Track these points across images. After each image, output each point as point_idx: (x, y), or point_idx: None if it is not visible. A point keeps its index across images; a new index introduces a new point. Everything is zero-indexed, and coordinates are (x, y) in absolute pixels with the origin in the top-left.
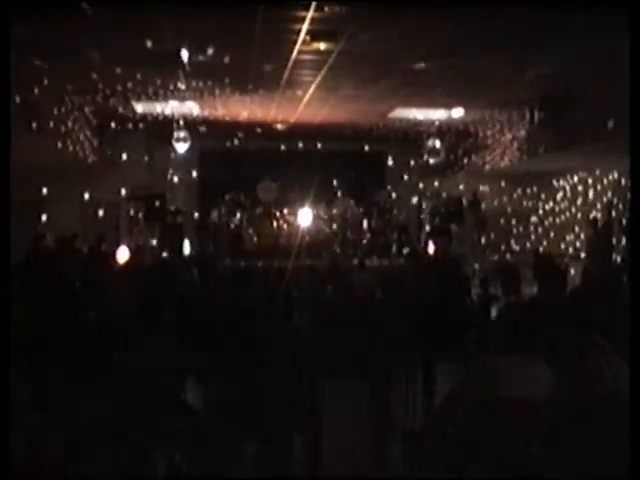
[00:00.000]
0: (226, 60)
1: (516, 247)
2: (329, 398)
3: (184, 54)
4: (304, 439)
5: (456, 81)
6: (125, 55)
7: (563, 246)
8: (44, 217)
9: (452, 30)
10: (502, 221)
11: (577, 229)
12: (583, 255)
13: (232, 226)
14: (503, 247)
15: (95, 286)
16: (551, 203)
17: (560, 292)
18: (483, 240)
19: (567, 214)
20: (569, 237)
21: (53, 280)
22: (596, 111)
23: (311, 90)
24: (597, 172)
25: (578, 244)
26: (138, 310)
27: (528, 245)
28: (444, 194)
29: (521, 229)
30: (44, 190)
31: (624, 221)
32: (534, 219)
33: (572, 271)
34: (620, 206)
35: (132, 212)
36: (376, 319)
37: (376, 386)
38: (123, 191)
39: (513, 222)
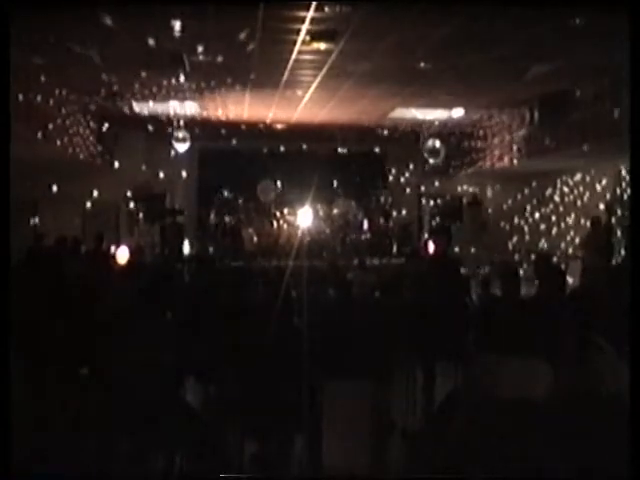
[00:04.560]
0: (226, 60)
1: (516, 247)
2: (329, 397)
3: (184, 54)
4: (304, 439)
5: (456, 81)
6: (125, 55)
7: (563, 246)
8: (44, 217)
9: (452, 30)
10: (502, 221)
11: (577, 229)
12: (583, 255)
13: (232, 226)
14: (503, 247)
15: (95, 286)
16: (551, 203)
17: (560, 292)
18: (483, 240)
19: (567, 214)
20: (569, 237)
21: (54, 280)
22: (596, 111)
23: (311, 90)
24: (597, 172)
25: (578, 244)
26: (137, 310)
27: (528, 245)
28: (444, 194)
29: (521, 229)
30: (43, 190)
31: (624, 221)
32: (534, 219)
33: (572, 271)
34: (620, 206)
35: (132, 212)
36: (376, 319)
37: (376, 386)
38: (123, 191)
39: (513, 222)
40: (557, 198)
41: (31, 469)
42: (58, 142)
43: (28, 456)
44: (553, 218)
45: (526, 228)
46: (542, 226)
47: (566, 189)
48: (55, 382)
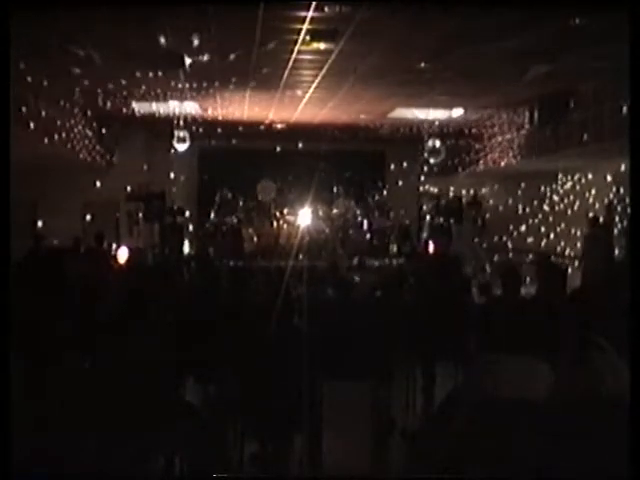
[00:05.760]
0: (226, 60)
1: (516, 247)
2: (329, 398)
3: (184, 54)
4: (304, 439)
5: (456, 81)
6: (125, 55)
7: (563, 246)
8: (44, 218)
9: (452, 30)
10: (502, 221)
11: (577, 229)
12: (583, 255)
13: (232, 226)
14: (503, 247)
15: (95, 286)
16: (551, 203)
17: (560, 292)
18: (483, 240)
19: (567, 214)
20: (569, 237)
21: (54, 280)
22: (596, 111)
23: (311, 90)
24: (596, 172)
25: (578, 244)
26: (137, 309)
27: (528, 245)
28: (444, 194)
29: (521, 229)
30: (42, 190)
31: (624, 221)
32: (534, 219)
33: (572, 271)
34: (619, 206)
35: (132, 212)
36: (376, 319)
37: (376, 386)
38: (123, 191)
39: (513, 222)
40: (557, 198)
41: (31, 469)
42: (57, 142)
43: (28, 456)
44: (553, 218)
45: (526, 228)
46: (542, 226)
47: (566, 189)
48: (54, 381)
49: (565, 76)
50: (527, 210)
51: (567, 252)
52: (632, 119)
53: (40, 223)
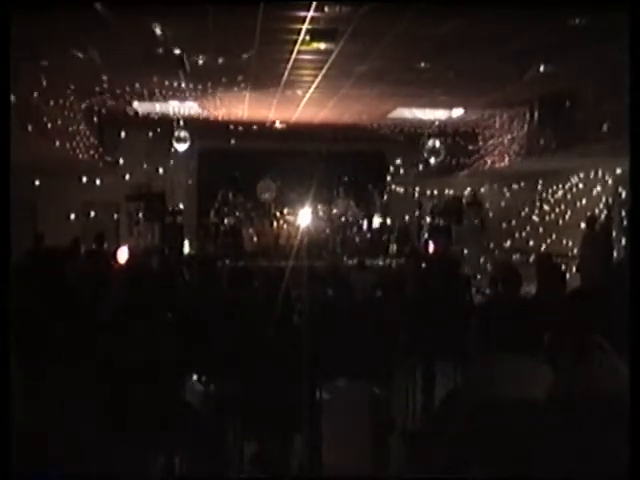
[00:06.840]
0: (226, 60)
1: (516, 247)
2: (329, 398)
3: (184, 54)
4: (304, 439)
5: (456, 81)
6: (125, 55)
7: (563, 246)
8: (44, 218)
9: (452, 30)
10: (502, 221)
11: (577, 228)
12: (582, 255)
13: (232, 226)
14: (503, 247)
15: (95, 286)
16: (550, 203)
17: (560, 292)
18: (483, 240)
19: (566, 214)
20: (569, 237)
21: (55, 281)
22: (596, 111)
23: (311, 90)
24: (596, 172)
25: (578, 244)
26: (137, 310)
27: (528, 245)
28: (444, 194)
29: (521, 229)
30: (42, 190)
31: (624, 221)
32: (534, 219)
33: (572, 271)
34: (619, 206)
35: (132, 212)
36: (376, 319)
37: (376, 386)
38: (123, 191)
39: (513, 222)
40: (557, 198)
41: (31, 469)
42: (58, 142)
43: (28, 456)
44: (553, 218)
45: (526, 228)
46: (542, 226)
47: (565, 189)
48: (55, 382)
49: (565, 76)
50: (526, 210)
51: (567, 252)
52: (632, 119)
53: (39, 223)
